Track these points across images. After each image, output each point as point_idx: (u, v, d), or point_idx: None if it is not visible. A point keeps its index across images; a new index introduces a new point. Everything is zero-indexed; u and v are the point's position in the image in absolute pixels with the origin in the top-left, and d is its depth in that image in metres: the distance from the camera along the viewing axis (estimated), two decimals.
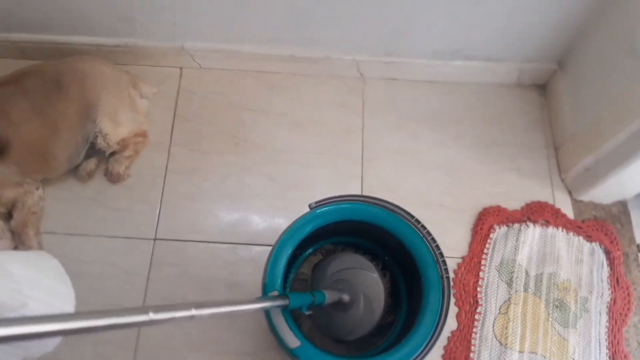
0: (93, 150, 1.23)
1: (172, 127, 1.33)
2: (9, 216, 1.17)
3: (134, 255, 1.19)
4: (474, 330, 1.14)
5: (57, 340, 0.69)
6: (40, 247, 1.17)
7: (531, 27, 1.25)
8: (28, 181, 1.17)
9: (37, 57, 1.38)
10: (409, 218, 0.97)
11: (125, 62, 1.39)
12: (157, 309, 0.57)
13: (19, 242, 1.15)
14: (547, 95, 1.42)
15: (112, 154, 1.25)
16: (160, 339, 1.12)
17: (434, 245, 0.95)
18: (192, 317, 0.62)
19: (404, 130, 1.36)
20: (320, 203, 0.98)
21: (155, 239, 1.21)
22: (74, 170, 1.26)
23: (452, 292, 1.17)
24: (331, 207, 0.98)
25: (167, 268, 1.18)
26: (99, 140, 1.20)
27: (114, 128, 1.20)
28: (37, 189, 1.20)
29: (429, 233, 0.96)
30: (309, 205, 0.98)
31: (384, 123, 1.36)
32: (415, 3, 1.17)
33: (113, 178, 1.25)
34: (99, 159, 1.27)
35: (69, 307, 0.65)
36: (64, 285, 0.69)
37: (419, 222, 0.97)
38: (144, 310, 0.56)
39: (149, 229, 1.21)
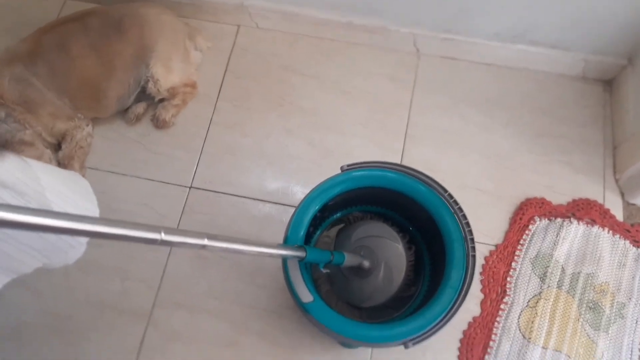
0: (143, 95, 1.27)
1: (222, 81, 1.35)
2: (58, 147, 1.23)
3: (168, 199, 1.22)
4: (497, 319, 1.10)
5: (78, 252, 0.72)
6: None
7: (604, 17, 1.17)
8: (79, 116, 1.22)
9: (105, 2, 1.43)
10: (442, 192, 0.94)
11: (186, 15, 1.42)
12: (169, 231, 0.58)
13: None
14: (612, 91, 1.33)
15: (161, 100, 1.28)
16: (183, 283, 1.15)
17: (464, 222, 0.92)
18: (203, 247, 0.63)
19: (453, 110, 1.32)
20: (352, 166, 0.97)
21: (190, 187, 1.23)
22: (123, 113, 1.30)
23: (479, 276, 1.14)
24: (363, 171, 0.96)
25: (198, 216, 1.20)
26: (150, 85, 1.23)
27: (166, 75, 1.23)
28: (87, 125, 1.25)
29: (460, 209, 0.93)
30: (341, 167, 0.97)
31: (433, 101, 1.33)
32: None
33: (159, 124, 1.28)
34: (148, 103, 1.31)
35: None
36: (89, 202, 0.72)
37: (451, 197, 0.94)
38: (156, 229, 0.57)
39: (186, 176, 1.24)
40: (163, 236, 0.57)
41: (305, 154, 1.27)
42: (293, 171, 1.25)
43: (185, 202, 1.22)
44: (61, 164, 1.21)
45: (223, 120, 1.31)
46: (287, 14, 1.37)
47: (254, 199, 1.22)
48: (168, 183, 1.24)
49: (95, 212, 0.71)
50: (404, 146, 1.27)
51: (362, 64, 1.38)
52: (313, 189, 0.95)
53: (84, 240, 0.69)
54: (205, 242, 0.62)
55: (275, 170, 1.26)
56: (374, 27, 1.34)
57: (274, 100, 1.33)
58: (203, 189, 1.23)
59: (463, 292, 0.88)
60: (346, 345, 1.09)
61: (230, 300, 1.13)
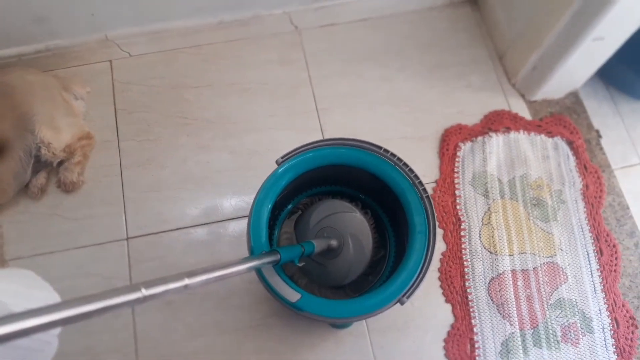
0: (40, 164, 1.17)
1: (116, 122, 1.28)
2: None
3: (110, 259, 1.14)
4: (463, 246, 1.16)
5: (54, 348, 0.65)
6: None
7: None
8: None
9: None
10: (376, 149, 0.96)
11: (52, 67, 1.31)
12: (149, 284, 0.55)
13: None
14: (480, 9, 1.42)
15: (61, 163, 1.19)
16: (160, 336, 1.09)
17: (406, 169, 0.95)
18: (185, 287, 0.60)
19: (349, 72, 1.34)
20: (286, 157, 0.96)
21: (127, 238, 1.16)
22: (25, 190, 1.19)
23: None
24: (297, 157, 0.96)
25: (147, 263, 1.14)
26: (43, 151, 1.13)
27: (55, 135, 1.14)
28: None
29: (399, 159, 0.96)
30: (276, 162, 0.95)
31: (329, 70, 1.34)
32: None
33: (67, 187, 1.19)
34: (48, 171, 1.20)
35: None
36: (44, 290, 0.66)
37: (387, 151, 0.96)
38: (135, 287, 0.54)
39: (119, 230, 1.17)
40: (144, 292, 0.54)
41: (230, 164, 1.24)
42: (225, 184, 1.22)
43: (128, 255, 1.14)
44: None
45: (133, 161, 1.24)
46: (155, 33, 1.31)
47: (195, 225, 1.18)
48: (103, 243, 1.15)
49: (55, 297, 0.65)
50: (320, 122, 1.28)
51: (249, 58, 1.36)
52: (258, 191, 0.93)
53: (56, 332, 0.62)
54: (186, 281, 0.60)
55: (206, 190, 1.21)
56: (247, 18, 1.33)
57: (177, 122, 1.28)
58: (141, 236, 1.17)
59: (431, 233, 0.91)
60: (340, 326, 1.10)
61: (215, 333, 1.09)
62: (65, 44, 1.27)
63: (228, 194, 1.21)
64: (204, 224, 1.18)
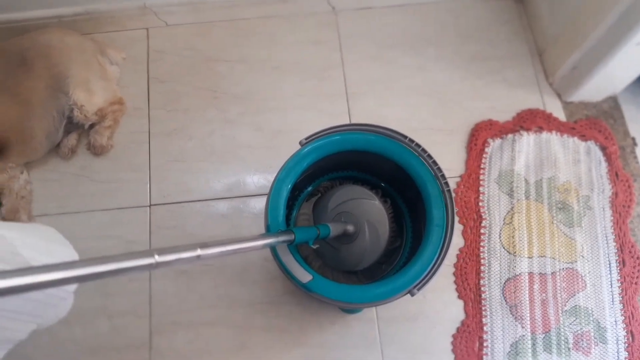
0: (72, 125, 1.20)
1: (148, 90, 1.29)
2: None
3: (132, 223, 1.17)
4: (481, 244, 1.14)
5: (68, 304, 0.68)
6: None
7: None
8: (11, 165, 1.14)
9: (3, 38, 1.33)
10: (402, 139, 0.95)
11: (90, 31, 1.33)
12: (162, 251, 0.56)
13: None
14: (524, 2, 1.38)
15: (92, 126, 1.21)
16: (174, 303, 1.11)
17: (430, 161, 0.94)
18: (198, 257, 0.60)
19: (383, 58, 1.33)
20: (310, 138, 0.96)
21: (150, 205, 1.19)
22: (56, 149, 1.22)
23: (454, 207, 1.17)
24: (322, 140, 0.95)
25: (166, 231, 1.16)
26: (76, 113, 1.16)
27: (89, 98, 1.16)
28: (22, 172, 1.17)
29: (424, 150, 0.95)
30: (300, 142, 0.96)
31: (363, 54, 1.33)
32: None
33: (97, 150, 1.21)
34: (79, 133, 1.23)
35: None
36: (64, 246, 0.68)
37: (412, 141, 0.95)
38: (148, 253, 0.54)
39: (142, 196, 1.19)
40: (157, 258, 0.55)
41: (254, 140, 1.25)
42: (248, 160, 1.23)
43: (150, 221, 1.17)
44: (7, 220, 1.13)
45: (161, 129, 1.26)
46: (193, 4, 1.32)
47: (217, 198, 1.19)
48: (126, 208, 1.18)
49: (73, 254, 0.67)
50: (348, 106, 1.27)
51: (283, 36, 1.36)
52: (279, 170, 0.93)
53: (71, 289, 0.65)
54: (199, 252, 0.60)
55: (229, 165, 1.23)
56: None
57: (206, 95, 1.29)
58: (163, 204, 1.19)
59: (449, 227, 0.90)
60: (350, 311, 1.10)
61: (227, 305, 1.11)
62: (103, 9, 1.29)
63: (251, 170, 1.22)
64: (225, 198, 1.19)
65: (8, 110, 1.08)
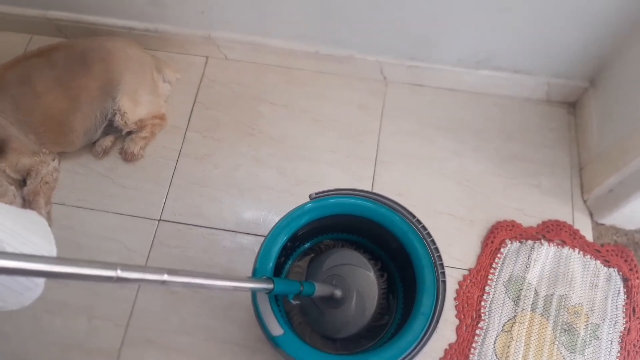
0: (111, 129, 1.26)
1: (191, 112, 1.35)
2: (23, 184, 1.21)
3: (137, 233, 1.20)
4: (474, 345, 1.09)
5: (35, 294, 0.69)
6: (49, 216, 1.19)
7: (563, 41, 1.20)
8: (45, 151, 1.20)
9: (71, 36, 1.43)
10: (410, 217, 0.94)
11: (154, 48, 1.42)
12: (126, 267, 0.56)
13: (28, 209, 1.18)
14: (576, 114, 1.36)
15: (129, 133, 1.27)
16: (153, 320, 1.11)
17: (432, 247, 0.92)
18: (163, 282, 0.60)
19: (422, 136, 1.33)
20: (320, 194, 0.96)
21: (159, 220, 1.21)
22: (91, 146, 1.29)
23: (453, 302, 1.13)
24: (331, 199, 0.96)
25: (167, 249, 1.18)
26: (117, 118, 1.22)
27: (133, 107, 1.23)
28: (53, 160, 1.23)
29: (429, 235, 0.93)
30: (310, 196, 0.96)
31: (402, 127, 1.34)
32: (441, 9, 1.15)
33: (127, 157, 1.26)
34: (115, 137, 1.29)
35: None
36: (45, 240, 0.69)
37: (419, 222, 0.94)
38: (112, 266, 0.55)
39: (155, 209, 1.22)
40: (119, 273, 0.55)
41: (276, 183, 1.26)
42: (265, 201, 1.24)
43: (155, 235, 1.19)
44: (26, 200, 1.18)
45: (192, 152, 1.30)
46: (254, 45, 1.38)
47: (225, 230, 1.21)
48: (137, 216, 1.21)
49: (51, 250, 0.69)
50: (374, 172, 1.28)
51: (331, 92, 1.39)
52: (281, 218, 0.94)
53: (40, 281, 0.66)
54: (165, 277, 0.60)
55: (246, 201, 1.24)
56: (341, 56, 1.36)
57: (244, 130, 1.33)
58: (172, 222, 1.21)
59: (435, 319, 0.87)
60: None
61: (203, 337, 1.10)
62: (172, 31, 1.37)
63: (264, 211, 1.23)
64: (232, 231, 1.20)
65: (56, 102, 1.15)
